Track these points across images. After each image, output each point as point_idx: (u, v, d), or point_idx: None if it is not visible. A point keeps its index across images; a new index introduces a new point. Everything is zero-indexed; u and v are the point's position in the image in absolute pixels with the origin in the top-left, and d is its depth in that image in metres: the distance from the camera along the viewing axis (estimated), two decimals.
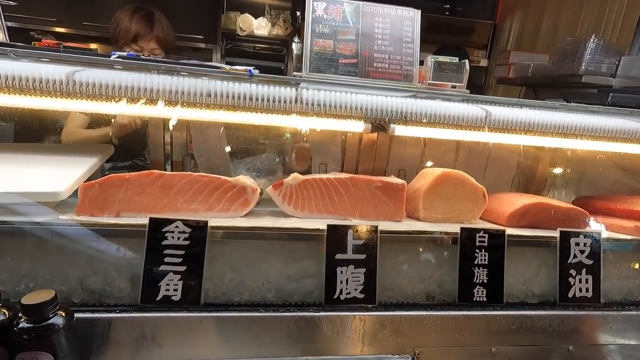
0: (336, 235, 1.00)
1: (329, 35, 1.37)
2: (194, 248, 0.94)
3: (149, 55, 1.95)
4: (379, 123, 1.37)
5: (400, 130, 1.30)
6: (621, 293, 1.18)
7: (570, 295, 1.10)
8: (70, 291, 0.92)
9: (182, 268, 0.92)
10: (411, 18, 1.42)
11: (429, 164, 1.65)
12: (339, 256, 1.00)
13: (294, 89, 1.20)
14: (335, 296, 0.99)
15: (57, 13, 3.55)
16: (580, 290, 1.11)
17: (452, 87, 1.44)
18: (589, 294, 1.11)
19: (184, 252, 0.93)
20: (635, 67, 2.13)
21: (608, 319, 1.10)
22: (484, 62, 3.81)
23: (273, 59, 4.21)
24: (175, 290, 0.92)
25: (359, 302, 0.99)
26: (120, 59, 1.13)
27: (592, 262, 1.11)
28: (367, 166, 1.54)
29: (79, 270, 0.93)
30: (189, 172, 1.10)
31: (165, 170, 1.60)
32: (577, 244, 1.11)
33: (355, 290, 1.00)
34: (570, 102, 1.79)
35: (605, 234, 1.16)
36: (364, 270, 1.01)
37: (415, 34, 1.42)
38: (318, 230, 1.01)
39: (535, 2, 3.31)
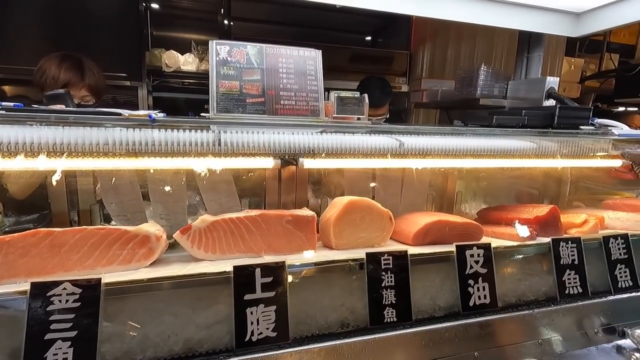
0: (243, 275, 1.00)
1: (234, 76, 1.42)
2: (87, 309, 0.87)
3: (80, 102, 1.94)
4: (290, 158, 1.42)
5: (309, 163, 1.36)
6: (515, 295, 1.30)
7: (471, 304, 1.19)
8: None
9: (73, 333, 0.86)
10: (313, 57, 1.52)
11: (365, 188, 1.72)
12: (248, 297, 0.99)
13: (200, 132, 1.21)
14: (247, 338, 0.97)
15: None
16: (479, 297, 1.21)
17: (357, 119, 1.54)
18: (487, 300, 1.21)
19: (74, 315, 0.86)
20: (520, 90, 2.46)
21: (505, 320, 1.20)
22: (405, 88, 4.13)
23: (204, 93, 4.18)
24: (65, 359, 0.84)
25: (271, 342, 0.99)
26: (4, 112, 1.06)
27: (486, 270, 1.23)
28: (289, 198, 1.57)
29: None
30: (84, 227, 1.04)
31: (71, 221, 1.50)
32: (472, 256, 1.22)
33: (267, 329, 1.00)
34: (467, 125, 2.01)
35: (495, 243, 1.29)
36: (274, 307, 1.01)
37: (318, 71, 1.52)
38: (225, 272, 1.00)
39: (440, 34, 3.72)
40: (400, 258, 1.14)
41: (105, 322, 0.91)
